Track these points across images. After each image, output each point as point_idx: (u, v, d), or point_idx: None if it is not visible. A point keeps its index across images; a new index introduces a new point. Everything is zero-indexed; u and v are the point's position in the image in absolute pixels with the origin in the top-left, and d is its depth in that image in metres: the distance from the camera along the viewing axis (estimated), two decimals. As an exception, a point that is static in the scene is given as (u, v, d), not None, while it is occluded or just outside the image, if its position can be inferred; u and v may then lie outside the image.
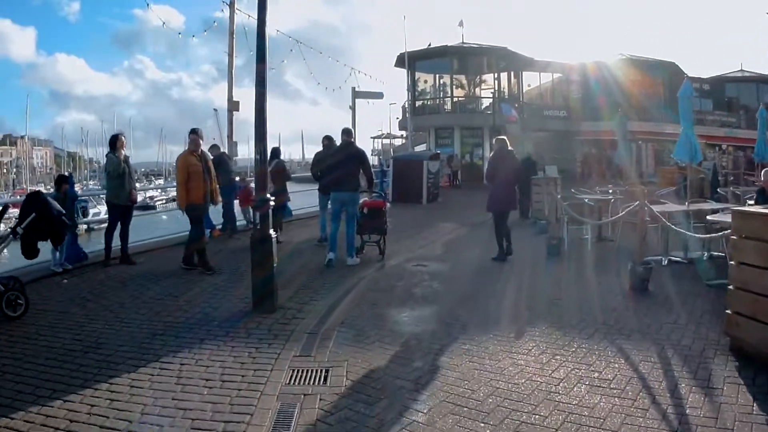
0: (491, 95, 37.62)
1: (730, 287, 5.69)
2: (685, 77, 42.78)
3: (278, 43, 22.14)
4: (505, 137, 11.46)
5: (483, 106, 39.27)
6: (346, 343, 6.22)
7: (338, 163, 10.62)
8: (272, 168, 11.80)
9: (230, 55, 15.39)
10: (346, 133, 11.03)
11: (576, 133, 39.49)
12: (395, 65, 39.20)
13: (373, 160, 40.33)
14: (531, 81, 42.21)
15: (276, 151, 13.37)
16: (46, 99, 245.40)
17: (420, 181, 23.02)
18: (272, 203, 7.78)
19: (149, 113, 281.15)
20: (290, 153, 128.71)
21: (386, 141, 70.84)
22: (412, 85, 40.38)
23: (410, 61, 38.61)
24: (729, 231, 6.23)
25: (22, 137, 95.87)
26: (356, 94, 19.73)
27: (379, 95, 20.81)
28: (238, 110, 15.56)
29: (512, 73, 40.42)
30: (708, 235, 7.70)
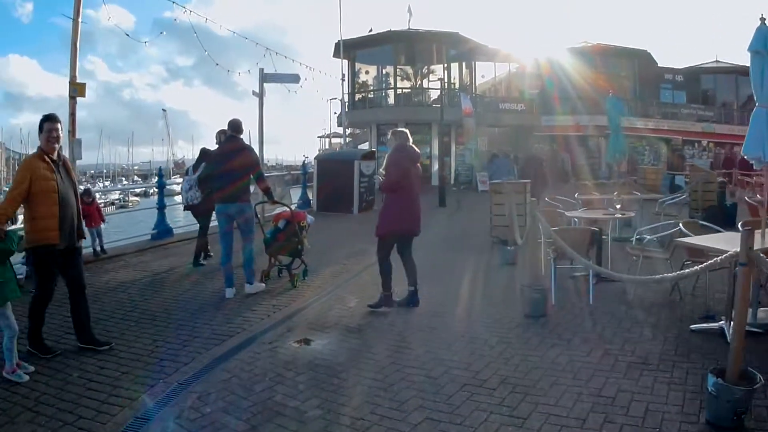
0: (440, 86, 33.04)
1: None
2: (657, 65, 40.24)
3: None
4: (405, 130, 7.60)
5: (431, 99, 34.80)
6: None
7: (222, 166, 8.22)
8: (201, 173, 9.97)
9: (74, 20, 10.62)
10: (232, 126, 8.43)
11: (536, 128, 35.43)
12: (334, 55, 34.51)
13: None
14: (485, 72, 37.98)
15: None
16: (1, 101, 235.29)
17: (350, 186, 18.44)
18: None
19: (100, 114, 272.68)
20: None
21: (336, 140, 65.89)
22: (351, 76, 35.77)
23: (349, 50, 34.02)
24: None
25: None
26: (264, 78, 15.15)
27: (293, 78, 16.24)
28: (84, 95, 10.79)
29: (464, 63, 36.12)
30: None
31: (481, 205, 18.81)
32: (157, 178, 13.55)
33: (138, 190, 69.70)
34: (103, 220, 11.30)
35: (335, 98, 35.63)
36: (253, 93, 14.68)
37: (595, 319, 6.58)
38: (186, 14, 14.85)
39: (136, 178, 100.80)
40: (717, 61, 41.76)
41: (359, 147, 35.01)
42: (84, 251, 10.86)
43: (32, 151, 5.92)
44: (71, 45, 10.39)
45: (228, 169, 8.08)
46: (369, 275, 9.38)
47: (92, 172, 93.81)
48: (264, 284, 8.50)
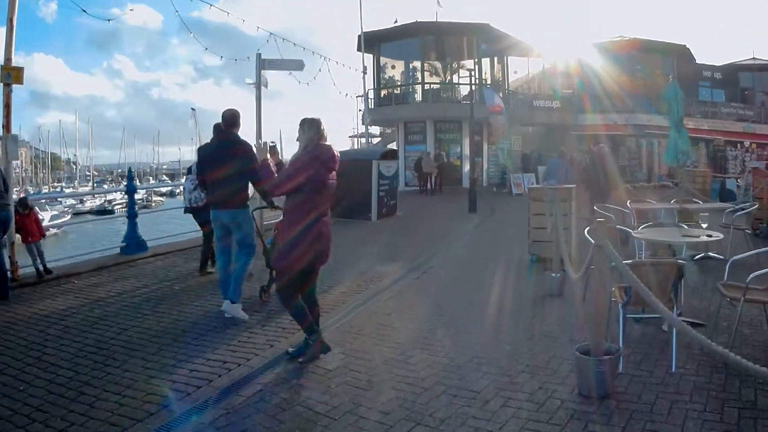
0: (470, 82, 30.62)
1: None
2: (695, 61, 37.56)
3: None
4: (318, 119, 5.41)
5: (461, 95, 32.50)
6: None
7: (213, 164, 6.95)
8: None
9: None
10: (227, 119, 6.98)
11: (572, 127, 32.96)
12: (358, 49, 32.40)
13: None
14: (518, 67, 35.63)
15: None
16: (26, 100, 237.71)
17: (368, 190, 16.31)
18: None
19: (129, 114, 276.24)
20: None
21: (365, 140, 63.30)
22: (376, 71, 33.62)
23: (373, 43, 31.99)
24: None
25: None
26: (263, 64, 12.99)
27: (297, 65, 14.04)
28: (21, 82, 8.72)
29: (495, 58, 33.75)
30: None
31: (515, 210, 16.65)
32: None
33: (164, 190, 69.09)
34: (43, 235, 9.37)
35: (362, 95, 33.46)
36: (248, 83, 12.56)
37: (684, 402, 4.32)
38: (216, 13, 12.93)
39: (164, 177, 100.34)
40: (754, 58, 38.99)
41: (388, 147, 32.83)
42: (24, 270, 9.10)
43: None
44: (6, 21, 8.37)
45: (218, 166, 6.81)
46: (382, 305, 7.27)
47: (119, 170, 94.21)
48: (246, 315, 6.78)
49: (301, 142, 5.33)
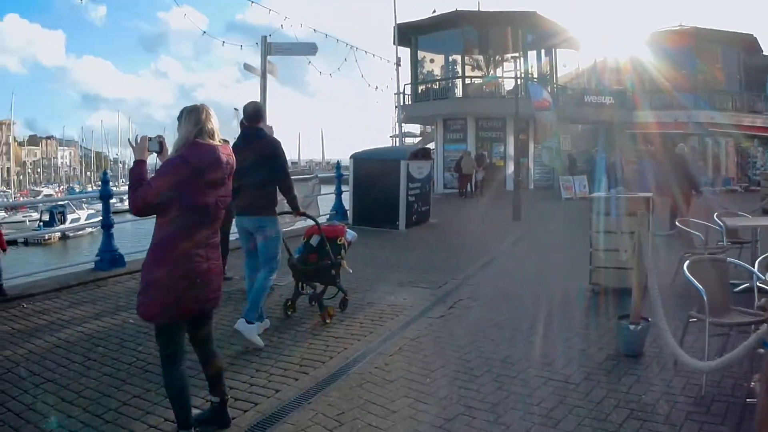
0: (515, 76, 28.06)
1: None
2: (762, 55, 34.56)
3: None
4: (204, 107, 3.75)
5: (505, 90, 30.10)
6: None
7: (240, 166, 4.72)
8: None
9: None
10: (249, 113, 6.12)
11: (627, 125, 30.35)
12: (394, 42, 30.18)
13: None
14: (567, 60, 33.03)
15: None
16: (78, 101, 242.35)
17: (395, 194, 14.16)
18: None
19: (176, 115, 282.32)
20: (312, 154, 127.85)
21: (408, 140, 60.93)
22: (413, 65, 31.53)
23: (409, 35, 29.98)
24: None
25: (49, 138, 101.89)
26: (269, 48, 11.10)
27: (308, 48, 12.14)
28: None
29: (543, 50, 31.29)
30: None
31: (566, 218, 14.53)
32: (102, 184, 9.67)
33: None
34: (4, 249, 7.51)
35: (398, 91, 31.39)
36: (245, 66, 10.62)
37: None
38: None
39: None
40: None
41: (419, 146, 30.65)
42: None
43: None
44: None
45: (248, 168, 5.57)
46: (384, 366, 5.14)
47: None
48: (261, 342, 5.68)
49: (176, 141, 3.69)
